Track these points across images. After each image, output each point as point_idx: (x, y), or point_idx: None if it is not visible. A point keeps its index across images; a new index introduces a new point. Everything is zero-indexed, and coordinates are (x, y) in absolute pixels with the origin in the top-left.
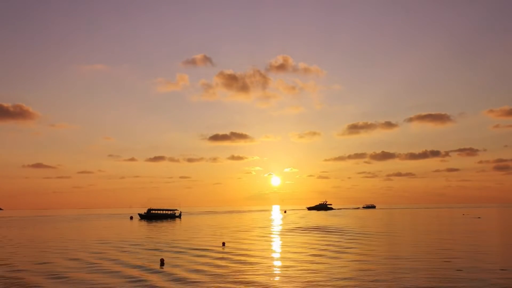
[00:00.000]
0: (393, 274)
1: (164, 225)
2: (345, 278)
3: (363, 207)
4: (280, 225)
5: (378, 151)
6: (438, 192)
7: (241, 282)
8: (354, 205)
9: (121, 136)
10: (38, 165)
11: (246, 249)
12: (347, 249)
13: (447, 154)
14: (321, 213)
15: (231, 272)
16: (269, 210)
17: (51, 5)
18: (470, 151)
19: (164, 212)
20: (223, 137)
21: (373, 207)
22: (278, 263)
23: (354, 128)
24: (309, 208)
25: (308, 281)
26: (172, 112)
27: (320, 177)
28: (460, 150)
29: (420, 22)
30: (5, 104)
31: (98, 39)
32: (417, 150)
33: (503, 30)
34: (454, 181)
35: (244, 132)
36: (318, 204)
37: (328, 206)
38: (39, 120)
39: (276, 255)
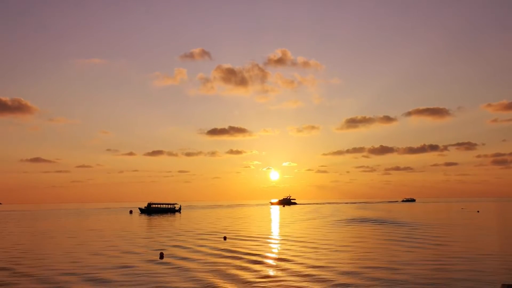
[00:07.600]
0: None
1: (164, 219)
2: None
3: (402, 201)
4: (277, 219)
5: (377, 145)
6: (436, 186)
7: (239, 277)
8: (352, 199)
9: (119, 130)
10: (36, 160)
11: (247, 244)
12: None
13: (445, 148)
14: (351, 206)
15: (232, 266)
16: (267, 204)
17: None
18: (469, 145)
19: (164, 206)
20: (222, 131)
21: (412, 200)
22: (274, 256)
23: (353, 122)
24: (273, 203)
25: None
26: (170, 106)
27: (318, 171)
28: (459, 144)
29: (418, 16)
30: (4, 98)
31: (95, 34)
32: (415, 144)
33: (501, 24)
34: (452, 175)
35: (242, 126)
36: (282, 198)
37: (291, 201)
38: (37, 115)
39: (273, 252)
